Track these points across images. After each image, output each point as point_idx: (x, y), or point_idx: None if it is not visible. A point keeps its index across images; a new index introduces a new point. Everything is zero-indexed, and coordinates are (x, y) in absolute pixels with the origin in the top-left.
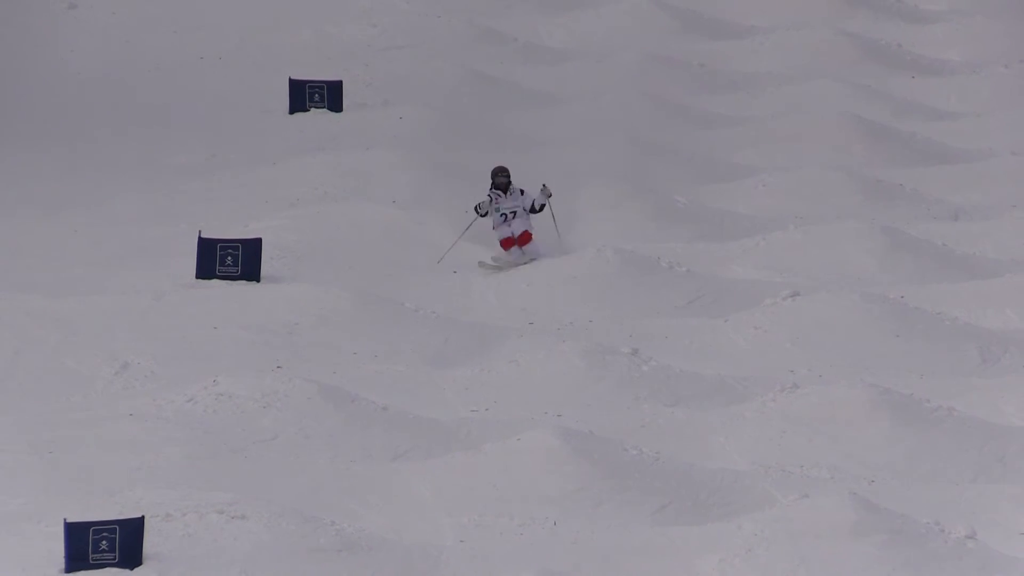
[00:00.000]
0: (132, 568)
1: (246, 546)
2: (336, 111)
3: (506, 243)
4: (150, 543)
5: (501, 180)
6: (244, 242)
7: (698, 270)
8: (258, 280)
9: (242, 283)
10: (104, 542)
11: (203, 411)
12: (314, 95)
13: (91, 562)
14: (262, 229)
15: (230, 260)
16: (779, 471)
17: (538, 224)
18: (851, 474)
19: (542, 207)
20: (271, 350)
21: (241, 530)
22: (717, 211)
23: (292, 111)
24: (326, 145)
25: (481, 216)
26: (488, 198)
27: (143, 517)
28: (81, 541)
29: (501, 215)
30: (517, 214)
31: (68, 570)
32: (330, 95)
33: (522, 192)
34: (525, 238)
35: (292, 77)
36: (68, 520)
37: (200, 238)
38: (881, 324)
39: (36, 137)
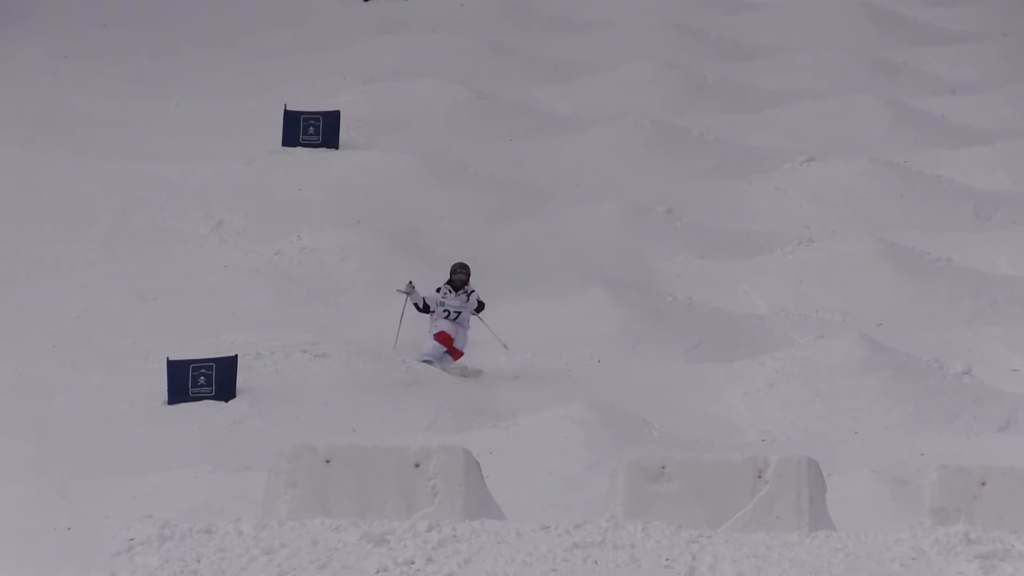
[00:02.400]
0: (227, 400)
1: (327, 381)
2: None
3: (441, 337)
4: (242, 378)
5: (459, 278)
6: (324, 114)
7: (725, 138)
8: (337, 147)
9: (323, 150)
10: (202, 377)
11: (289, 263)
12: None
13: (190, 395)
14: (340, 103)
15: (312, 130)
16: (797, 315)
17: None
18: (860, 318)
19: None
20: (348, 209)
21: (322, 367)
22: (741, 86)
23: None
24: (396, 28)
25: (416, 305)
26: (410, 285)
27: (236, 355)
28: (182, 377)
29: (445, 311)
30: (461, 315)
31: (170, 402)
32: None
33: (468, 296)
34: (457, 354)
35: None
36: (170, 358)
37: (285, 110)
38: (886, 186)
39: (136, 20)
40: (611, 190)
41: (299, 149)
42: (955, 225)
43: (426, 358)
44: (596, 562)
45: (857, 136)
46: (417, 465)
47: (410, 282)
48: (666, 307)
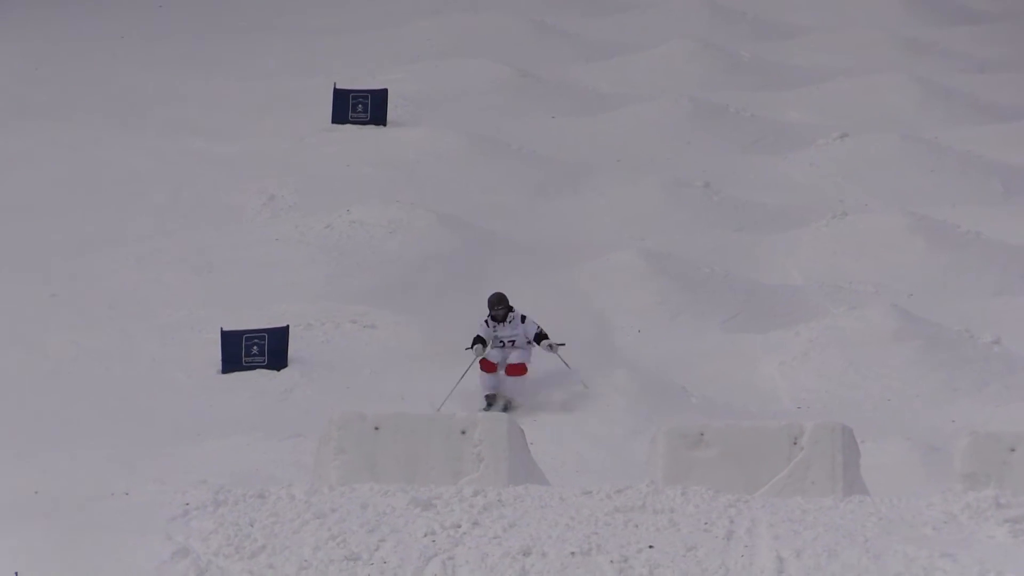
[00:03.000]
0: (279, 369)
1: (376, 350)
2: None
3: (485, 365)
4: (294, 348)
5: (499, 312)
6: (372, 92)
7: (761, 115)
8: (384, 124)
9: (371, 127)
10: (255, 347)
11: (338, 236)
12: None
13: (244, 364)
14: (388, 81)
15: (360, 108)
16: (831, 286)
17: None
18: (892, 289)
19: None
20: (396, 184)
21: (371, 337)
22: (776, 64)
23: None
24: (442, 9)
25: (478, 355)
26: (481, 337)
27: (288, 326)
28: (235, 346)
29: (500, 342)
30: (517, 342)
31: (224, 371)
32: None
33: (523, 319)
34: (516, 369)
35: None
36: (224, 329)
37: (335, 89)
38: (917, 161)
39: (190, 1)
40: (650, 165)
41: (348, 126)
42: (984, 199)
43: (487, 392)
44: (637, 526)
45: (889, 113)
46: (463, 432)
47: (479, 346)
48: (704, 279)
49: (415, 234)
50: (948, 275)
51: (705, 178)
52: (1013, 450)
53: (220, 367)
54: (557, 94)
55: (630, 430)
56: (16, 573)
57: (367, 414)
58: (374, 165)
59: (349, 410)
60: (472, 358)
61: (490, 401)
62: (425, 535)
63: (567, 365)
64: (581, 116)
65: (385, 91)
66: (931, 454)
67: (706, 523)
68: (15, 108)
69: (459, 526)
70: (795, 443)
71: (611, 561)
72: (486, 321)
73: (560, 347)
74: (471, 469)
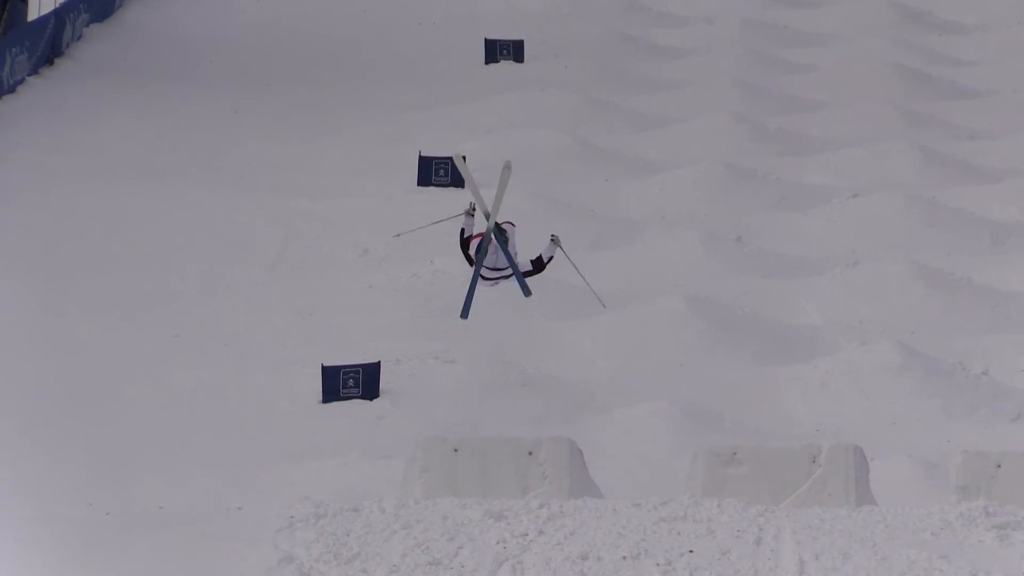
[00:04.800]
0: (371, 400)
1: (454, 383)
2: (519, 62)
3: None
4: (385, 381)
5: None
6: (450, 158)
7: (784, 177)
8: (463, 186)
9: (451, 189)
10: (351, 380)
11: (423, 283)
12: (503, 50)
13: (341, 395)
14: (466, 149)
15: (443, 172)
16: (844, 325)
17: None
18: (897, 328)
19: (550, 259)
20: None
21: (451, 371)
22: (797, 134)
23: (487, 62)
24: (513, 87)
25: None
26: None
27: (379, 362)
28: (334, 380)
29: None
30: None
31: (324, 401)
32: (515, 50)
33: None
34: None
35: (487, 37)
36: (324, 364)
37: (420, 156)
38: (918, 216)
39: (297, 80)
40: (691, 221)
41: (431, 188)
42: (975, 250)
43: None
44: (679, 533)
45: (894, 175)
46: (530, 453)
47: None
48: (736, 319)
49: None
50: (944, 316)
51: (737, 232)
52: (999, 466)
53: (321, 397)
54: (611, 160)
55: (673, 450)
56: None
57: (447, 438)
58: (454, 222)
59: (432, 435)
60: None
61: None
62: (497, 542)
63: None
64: (631, 179)
65: (463, 157)
66: (930, 470)
67: (738, 531)
68: (144, 172)
69: (527, 534)
70: (814, 461)
71: (657, 564)
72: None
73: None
74: (537, 485)
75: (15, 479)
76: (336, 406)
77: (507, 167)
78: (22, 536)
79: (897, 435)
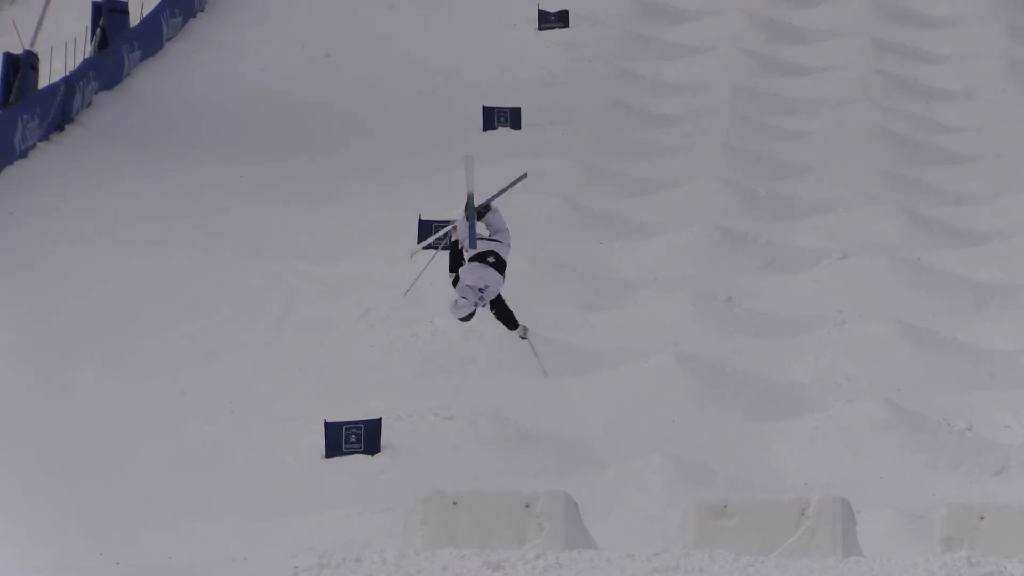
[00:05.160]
0: (373, 455)
1: (454, 438)
2: (516, 129)
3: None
4: (386, 437)
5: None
6: (447, 222)
7: (774, 240)
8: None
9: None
10: (353, 436)
11: (423, 343)
12: (501, 117)
13: (343, 450)
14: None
15: (442, 235)
16: (831, 382)
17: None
18: (883, 385)
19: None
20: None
21: (450, 427)
22: (786, 198)
23: (485, 129)
24: (509, 153)
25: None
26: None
27: (380, 418)
28: (336, 435)
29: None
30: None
31: (327, 456)
32: (512, 117)
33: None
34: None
35: (485, 104)
36: (327, 420)
37: (420, 219)
38: (904, 279)
39: (302, 148)
40: (682, 283)
41: (430, 251)
42: (960, 310)
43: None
44: None
45: (880, 238)
46: (527, 506)
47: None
48: (727, 376)
49: (487, 342)
50: (930, 373)
51: (728, 293)
52: (983, 518)
53: (324, 452)
54: (605, 223)
55: (666, 503)
56: None
57: (447, 491)
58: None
59: (432, 488)
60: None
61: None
62: None
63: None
64: (624, 242)
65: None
66: (915, 521)
67: None
68: (151, 235)
69: None
70: (803, 513)
71: None
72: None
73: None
74: (534, 536)
75: (26, 531)
76: (339, 460)
77: (469, 157)
78: None
79: (883, 489)
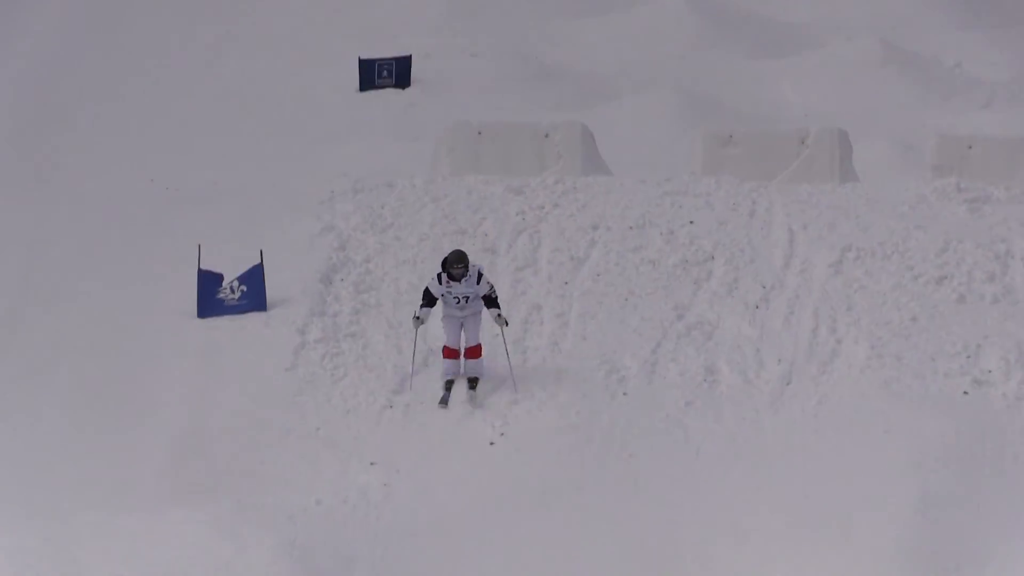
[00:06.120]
0: (404, 88)
1: (479, 73)
2: None
3: (449, 352)
4: (415, 71)
5: (457, 271)
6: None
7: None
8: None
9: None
10: (385, 71)
11: None
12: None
13: (376, 84)
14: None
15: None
16: (831, 22)
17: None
18: (879, 24)
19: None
20: None
21: (477, 64)
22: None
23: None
24: None
25: (422, 323)
26: (425, 302)
27: (411, 55)
28: (370, 71)
29: (454, 298)
30: (470, 300)
31: (361, 89)
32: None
33: (479, 276)
34: (473, 352)
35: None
36: (361, 57)
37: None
38: None
39: None
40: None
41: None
42: None
43: (448, 378)
44: (680, 206)
45: None
46: (547, 135)
47: (417, 317)
48: (733, 17)
49: None
50: (924, 13)
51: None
52: (971, 147)
53: (358, 86)
54: None
55: (675, 133)
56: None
57: (472, 121)
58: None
59: (459, 119)
60: (414, 334)
61: (449, 387)
62: (517, 214)
63: (508, 354)
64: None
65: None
66: (907, 151)
67: (734, 204)
68: None
69: (543, 207)
70: (803, 142)
71: (660, 233)
72: (439, 277)
73: (505, 327)
74: (553, 163)
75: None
76: (372, 94)
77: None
78: None
79: (878, 120)
